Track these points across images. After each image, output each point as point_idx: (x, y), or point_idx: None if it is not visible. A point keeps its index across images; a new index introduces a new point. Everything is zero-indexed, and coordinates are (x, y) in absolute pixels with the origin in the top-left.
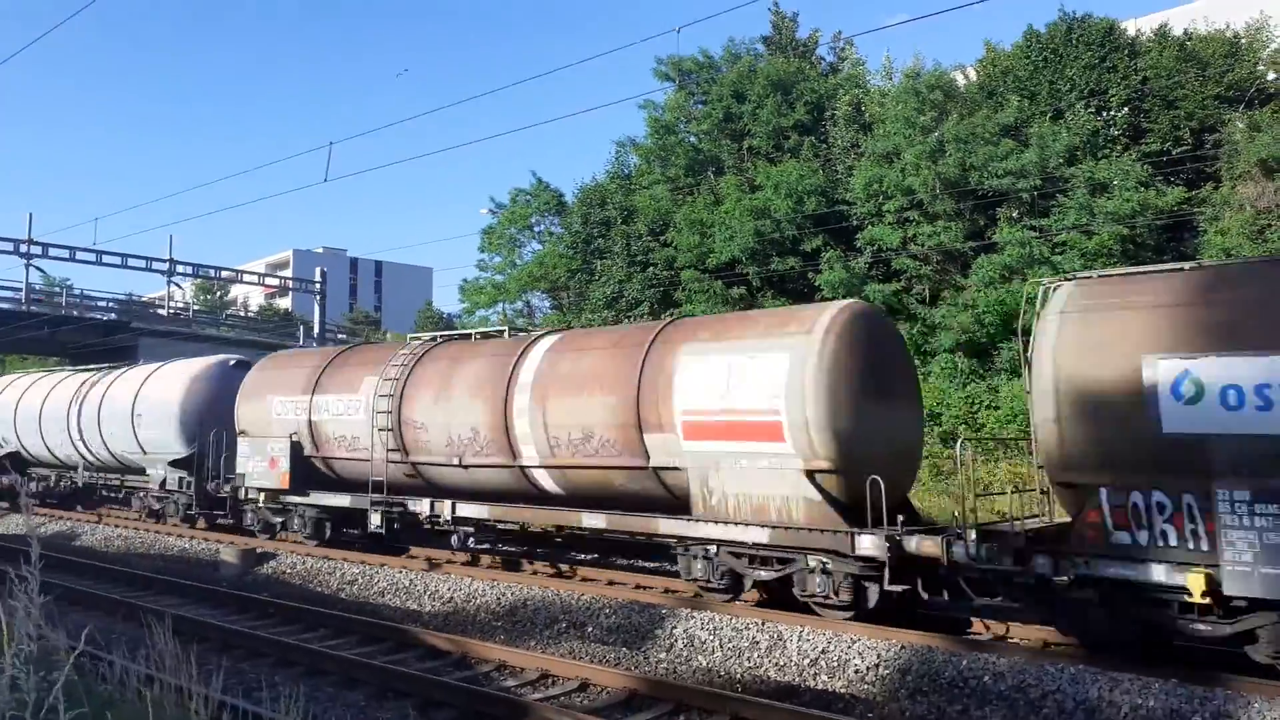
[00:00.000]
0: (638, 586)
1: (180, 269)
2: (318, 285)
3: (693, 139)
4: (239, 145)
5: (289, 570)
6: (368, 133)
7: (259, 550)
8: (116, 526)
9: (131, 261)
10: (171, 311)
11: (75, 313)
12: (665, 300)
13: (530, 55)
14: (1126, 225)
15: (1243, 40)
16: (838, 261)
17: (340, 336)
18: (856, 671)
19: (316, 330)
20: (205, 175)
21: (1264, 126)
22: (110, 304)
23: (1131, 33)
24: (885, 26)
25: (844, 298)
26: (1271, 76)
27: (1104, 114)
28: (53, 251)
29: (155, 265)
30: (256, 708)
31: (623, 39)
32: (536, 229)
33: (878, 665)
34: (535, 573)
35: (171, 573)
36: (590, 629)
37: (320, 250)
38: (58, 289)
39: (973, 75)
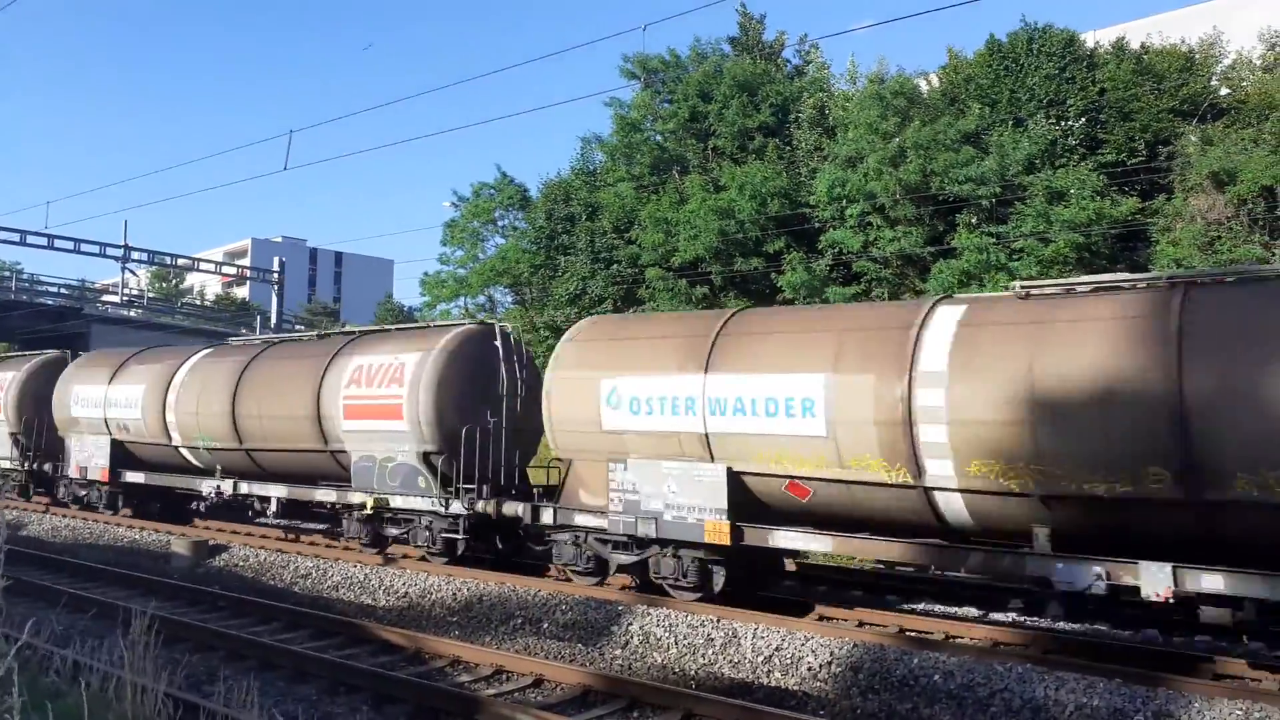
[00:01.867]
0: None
1: (135, 255)
2: (275, 275)
3: (658, 137)
4: (197, 131)
5: (242, 563)
6: (329, 121)
7: (211, 542)
8: (64, 517)
9: (85, 247)
10: (125, 299)
11: (25, 298)
12: (629, 298)
13: (495, 48)
14: (1082, 233)
15: (1197, 55)
16: (800, 263)
17: (298, 327)
18: (810, 669)
19: (274, 321)
20: (162, 160)
21: (1216, 140)
22: (61, 289)
23: (1090, 44)
24: (850, 30)
25: (805, 299)
26: (1224, 92)
27: (1062, 124)
28: (2, 235)
29: (109, 251)
30: (205, 701)
31: (589, 34)
32: (500, 223)
33: (830, 663)
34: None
35: (121, 564)
36: (546, 625)
37: (279, 240)
38: (7, 273)
39: (936, 82)
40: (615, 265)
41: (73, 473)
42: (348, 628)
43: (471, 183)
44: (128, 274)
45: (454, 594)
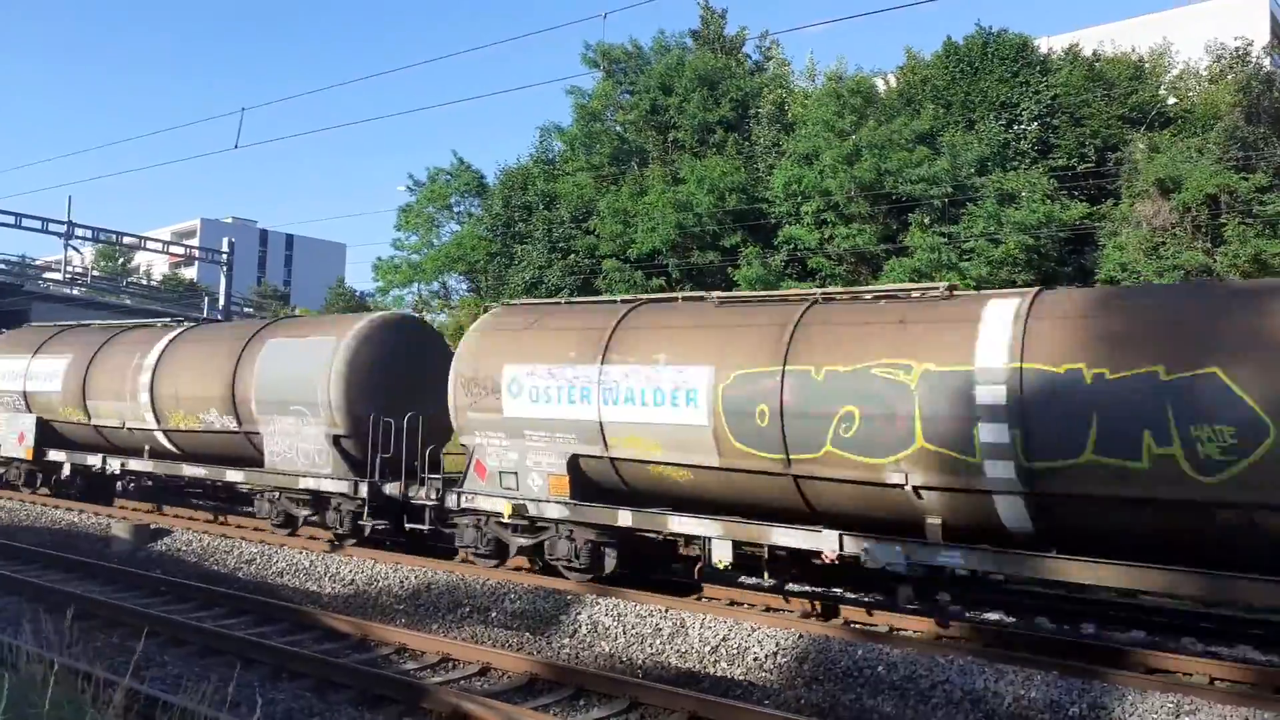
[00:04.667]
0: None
1: (79, 232)
2: (224, 256)
3: (619, 128)
4: (145, 105)
5: (184, 548)
6: (282, 100)
7: (153, 526)
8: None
9: (26, 222)
10: (68, 276)
11: None
12: (585, 288)
13: (454, 31)
14: (1032, 235)
15: (1147, 64)
16: (756, 258)
17: (247, 310)
18: (755, 659)
19: (221, 303)
20: (108, 135)
21: (1162, 148)
22: (0, 265)
23: (1044, 50)
24: (808, 25)
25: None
26: (1172, 101)
27: (1014, 127)
28: None
29: (52, 227)
30: (142, 686)
31: (550, 20)
32: (456, 209)
33: (776, 653)
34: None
35: (58, 547)
36: (494, 614)
37: (229, 220)
38: None
39: (893, 82)
40: (572, 255)
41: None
42: (292, 614)
43: (428, 167)
44: (71, 251)
45: (401, 582)
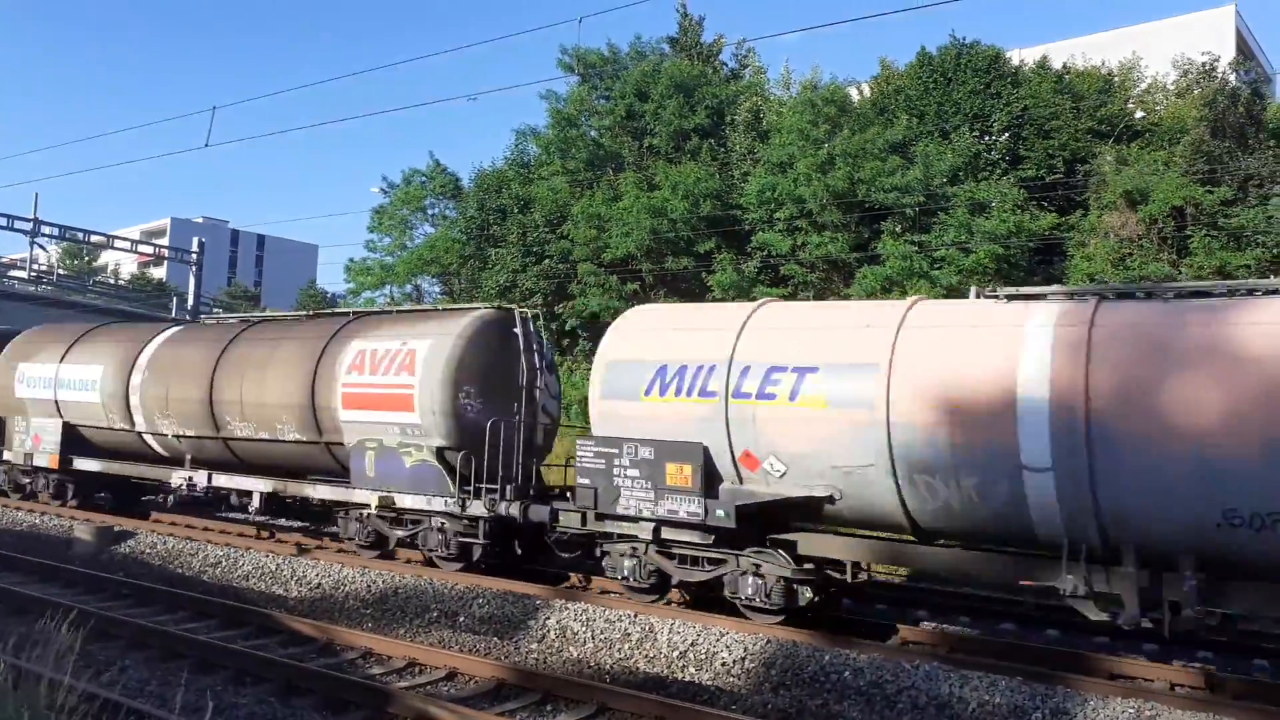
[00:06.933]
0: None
1: (46, 230)
2: (194, 256)
3: (594, 133)
4: (115, 102)
5: (148, 550)
6: (255, 99)
7: (116, 529)
8: None
9: None
10: (34, 275)
11: None
12: (560, 292)
13: (429, 33)
14: (1002, 245)
15: (1116, 78)
16: (729, 264)
17: (217, 310)
18: (724, 664)
19: (191, 303)
20: (77, 131)
21: (1130, 161)
22: None
23: (1015, 62)
24: (784, 33)
25: (734, 299)
26: (1139, 115)
27: (986, 138)
28: None
29: (18, 224)
30: (96, 688)
31: (526, 23)
32: (430, 212)
33: (744, 658)
34: (408, 560)
35: (18, 549)
36: (462, 618)
37: (200, 220)
38: None
39: (867, 91)
40: (546, 259)
41: None
42: (257, 617)
43: (403, 169)
44: (37, 249)
45: (368, 586)
